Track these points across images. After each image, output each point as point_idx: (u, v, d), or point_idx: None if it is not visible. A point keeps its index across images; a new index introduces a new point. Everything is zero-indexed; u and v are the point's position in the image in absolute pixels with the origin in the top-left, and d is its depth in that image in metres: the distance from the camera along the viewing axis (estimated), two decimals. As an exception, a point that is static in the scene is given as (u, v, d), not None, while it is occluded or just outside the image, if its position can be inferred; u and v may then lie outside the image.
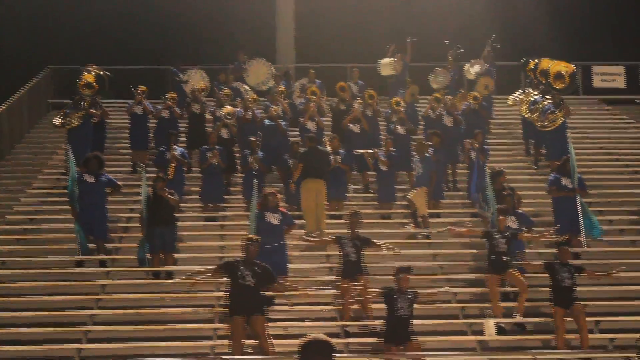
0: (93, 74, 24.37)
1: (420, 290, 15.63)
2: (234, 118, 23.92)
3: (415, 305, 15.10)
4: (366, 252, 17.19)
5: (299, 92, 27.66)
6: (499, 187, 19.26)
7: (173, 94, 25.61)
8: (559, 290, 16.12)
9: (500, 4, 36.60)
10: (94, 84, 24.05)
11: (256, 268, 15.09)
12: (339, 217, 21.00)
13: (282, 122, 24.03)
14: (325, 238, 18.15)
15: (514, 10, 36.93)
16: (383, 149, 22.14)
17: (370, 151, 22.14)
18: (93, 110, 23.68)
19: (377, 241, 17.23)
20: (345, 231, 17.46)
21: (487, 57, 29.08)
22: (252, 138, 22.53)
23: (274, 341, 16.04)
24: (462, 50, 29.30)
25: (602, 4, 37.74)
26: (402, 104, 24.64)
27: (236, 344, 15.06)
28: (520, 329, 17.12)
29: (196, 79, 28.36)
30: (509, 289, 17.66)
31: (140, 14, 36.50)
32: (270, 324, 15.85)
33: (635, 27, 37.07)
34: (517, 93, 26.63)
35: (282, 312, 17.68)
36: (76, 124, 23.19)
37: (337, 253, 17.39)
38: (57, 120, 23.61)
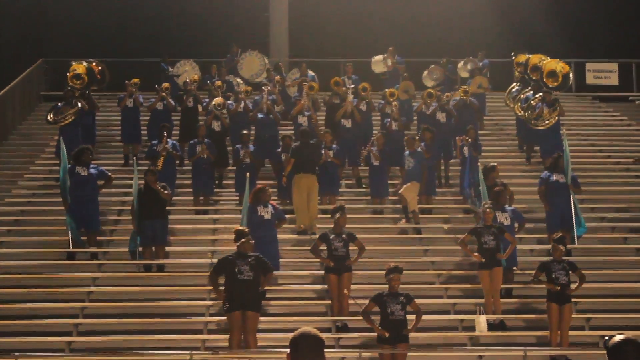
0: (84, 64, 24.30)
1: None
2: (224, 109, 23.84)
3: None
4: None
5: (291, 83, 27.59)
6: (492, 182, 19.27)
7: (167, 84, 25.53)
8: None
9: (496, 0, 36.58)
10: (83, 75, 23.98)
11: (251, 260, 15.08)
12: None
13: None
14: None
15: (509, 6, 36.93)
16: (375, 147, 22.09)
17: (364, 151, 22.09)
18: (79, 103, 23.53)
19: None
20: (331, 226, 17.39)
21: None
22: (244, 131, 22.50)
23: (265, 335, 16.08)
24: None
25: (596, 0, 37.76)
26: (396, 96, 24.59)
27: (234, 339, 15.05)
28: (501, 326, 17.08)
29: (188, 71, 28.33)
30: (504, 285, 17.65)
31: (133, 7, 36.45)
32: (261, 318, 15.84)
33: (628, 25, 37.12)
34: (513, 92, 26.50)
35: (272, 306, 17.69)
36: (69, 120, 23.12)
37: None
38: (49, 117, 23.50)
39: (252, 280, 15.02)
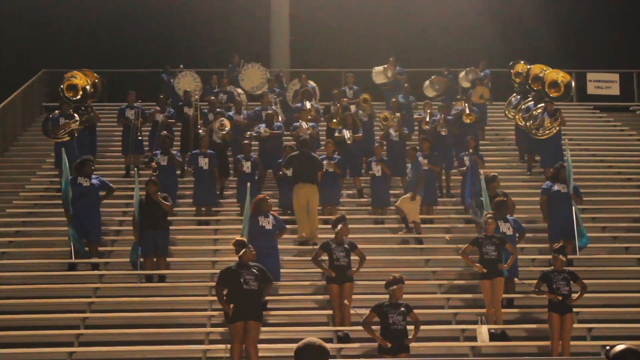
0: (85, 78, 24.22)
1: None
2: (225, 128, 23.47)
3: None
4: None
5: (293, 99, 27.61)
6: (493, 192, 19.26)
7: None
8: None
9: (497, 10, 36.64)
10: (79, 88, 23.91)
11: (255, 270, 15.07)
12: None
13: (277, 125, 23.99)
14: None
15: (510, 17, 36.99)
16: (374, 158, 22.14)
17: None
18: (78, 116, 23.48)
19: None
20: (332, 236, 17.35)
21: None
22: (246, 142, 22.51)
23: (266, 346, 16.06)
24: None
25: (597, 11, 37.81)
26: (390, 119, 24.52)
27: (235, 349, 15.03)
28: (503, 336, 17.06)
29: (187, 81, 28.36)
30: (505, 295, 17.63)
31: (135, 18, 36.49)
32: (262, 329, 15.80)
33: (629, 35, 37.15)
34: (513, 102, 26.48)
35: (273, 316, 17.67)
36: (68, 138, 23.05)
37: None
38: (50, 130, 23.32)
39: (257, 290, 15.01)
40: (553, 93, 23.95)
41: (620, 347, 6.48)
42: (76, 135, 23.22)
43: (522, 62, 26.87)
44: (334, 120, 24.31)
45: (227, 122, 23.38)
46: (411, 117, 26.36)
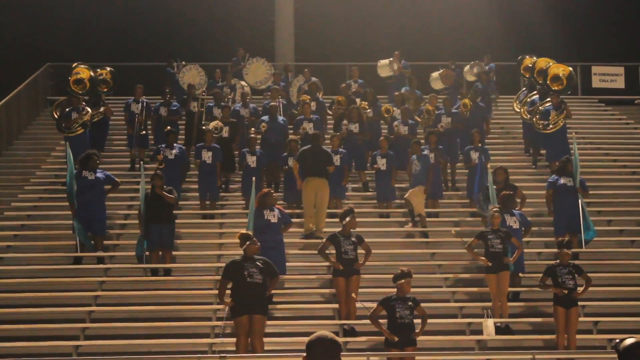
0: (87, 72, 24.21)
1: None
2: (222, 130, 23.40)
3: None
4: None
5: (297, 93, 27.57)
6: (500, 186, 19.22)
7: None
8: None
9: (502, 4, 36.60)
10: (87, 81, 23.91)
11: (259, 264, 15.08)
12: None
13: (280, 118, 23.95)
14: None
15: (515, 10, 36.93)
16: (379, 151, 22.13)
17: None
18: (90, 110, 23.47)
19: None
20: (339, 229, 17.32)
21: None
22: (251, 135, 22.49)
23: (272, 339, 16.07)
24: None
25: (602, 3, 37.76)
26: (392, 112, 24.55)
27: (241, 343, 15.04)
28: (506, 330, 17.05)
29: (192, 75, 28.32)
30: (511, 288, 17.62)
31: (139, 11, 36.46)
32: (267, 322, 15.81)
33: (634, 28, 37.07)
34: (521, 96, 26.43)
35: (279, 310, 17.67)
36: (82, 130, 22.99)
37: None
38: (63, 125, 23.23)
39: (261, 284, 15.02)
40: (556, 87, 23.93)
41: (629, 340, 6.46)
42: (89, 127, 23.21)
43: (527, 56, 26.84)
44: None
45: (216, 123, 23.19)
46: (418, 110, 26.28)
